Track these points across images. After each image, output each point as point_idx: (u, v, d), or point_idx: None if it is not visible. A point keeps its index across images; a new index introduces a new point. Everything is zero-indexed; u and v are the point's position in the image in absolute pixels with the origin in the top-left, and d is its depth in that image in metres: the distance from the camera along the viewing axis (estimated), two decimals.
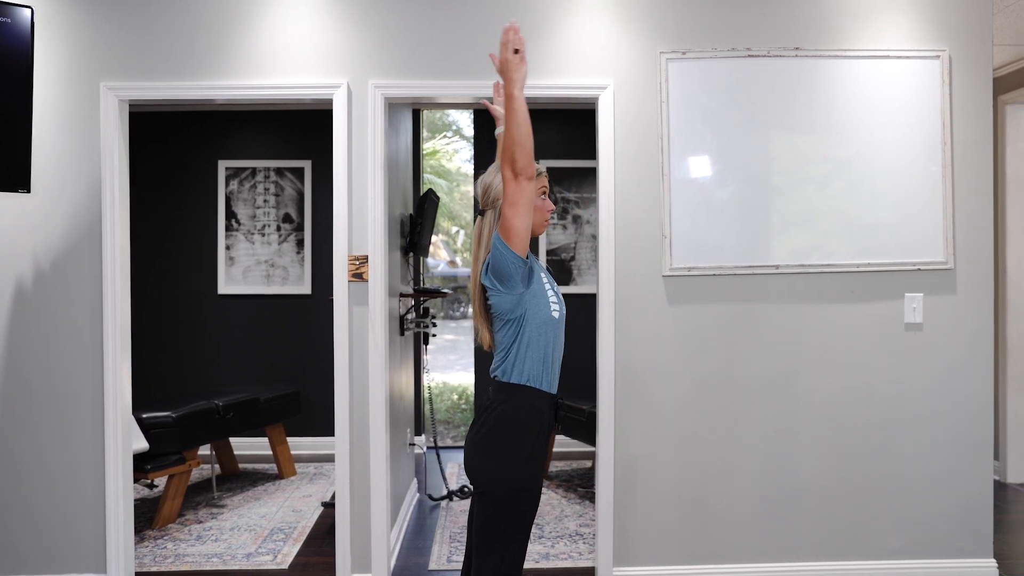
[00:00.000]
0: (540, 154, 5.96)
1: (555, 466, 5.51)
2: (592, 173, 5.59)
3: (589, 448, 5.03)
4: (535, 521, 4.27)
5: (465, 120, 12.63)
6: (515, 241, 2.08)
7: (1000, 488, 4.81)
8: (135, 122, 4.48)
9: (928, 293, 3.39)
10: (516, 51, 2.04)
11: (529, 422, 2.13)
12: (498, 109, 2.39)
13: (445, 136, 13.42)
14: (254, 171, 5.82)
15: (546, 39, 3.33)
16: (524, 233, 2.09)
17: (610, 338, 3.35)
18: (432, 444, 5.70)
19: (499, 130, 2.38)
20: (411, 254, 4.63)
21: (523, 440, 2.12)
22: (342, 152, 3.32)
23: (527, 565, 3.65)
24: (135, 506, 3.99)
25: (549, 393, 2.20)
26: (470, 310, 2.36)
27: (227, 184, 5.81)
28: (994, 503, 3.46)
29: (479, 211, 2.26)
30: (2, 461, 3.30)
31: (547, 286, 2.21)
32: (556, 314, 2.20)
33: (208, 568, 3.68)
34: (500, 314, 2.17)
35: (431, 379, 6.24)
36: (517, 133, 2.03)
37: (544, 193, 2.28)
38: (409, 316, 4.51)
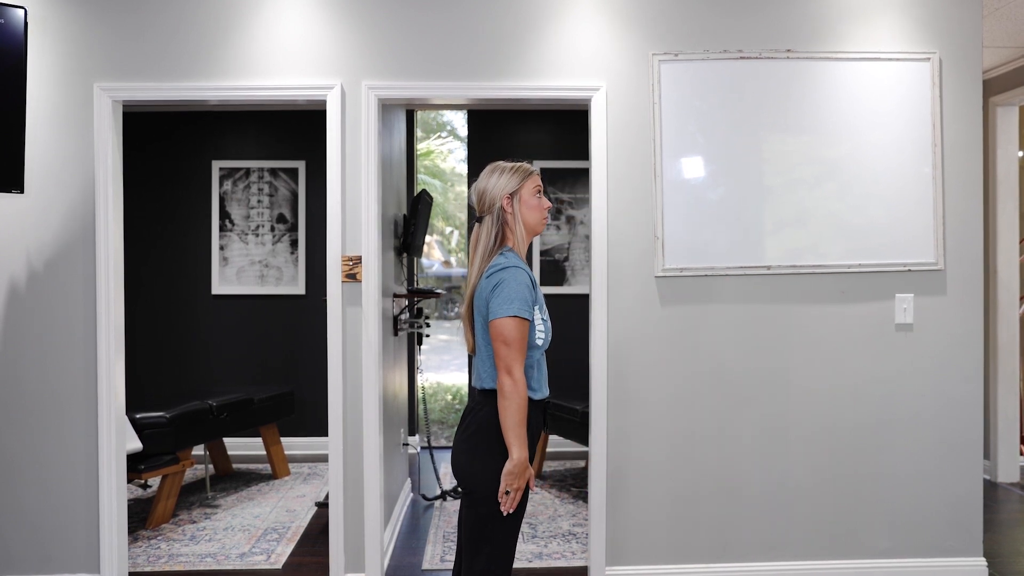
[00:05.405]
0: (533, 155, 5.98)
1: (549, 466, 5.53)
2: (585, 174, 5.60)
3: (582, 448, 5.05)
4: (529, 521, 4.30)
5: (459, 120, 12.61)
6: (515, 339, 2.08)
7: (990, 487, 4.84)
8: (129, 122, 4.48)
9: (918, 294, 3.41)
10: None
11: None
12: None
13: (439, 136, 13.40)
14: (248, 171, 5.82)
15: (539, 41, 3.34)
16: (524, 334, 2.10)
17: (603, 338, 3.37)
18: (426, 444, 5.71)
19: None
20: (405, 254, 4.63)
21: None
22: (336, 153, 3.33)
23: (520, 564, 3.66)
24: (128, 506, 3.98)
25: (535, 399, 2.20)
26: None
27: (221, 184, 5.80)
28: (984, 502, 3.48)
29: (477, 218, 2.26)
30: None
31: (538, 316, 2.19)
32: (540, 341, 2.19)
33: (202, 568, 3.69)
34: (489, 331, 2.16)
35: (425, 379, 6.25)
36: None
37: (539, 192, 2.28)
38: (403, 316, 4.51)
